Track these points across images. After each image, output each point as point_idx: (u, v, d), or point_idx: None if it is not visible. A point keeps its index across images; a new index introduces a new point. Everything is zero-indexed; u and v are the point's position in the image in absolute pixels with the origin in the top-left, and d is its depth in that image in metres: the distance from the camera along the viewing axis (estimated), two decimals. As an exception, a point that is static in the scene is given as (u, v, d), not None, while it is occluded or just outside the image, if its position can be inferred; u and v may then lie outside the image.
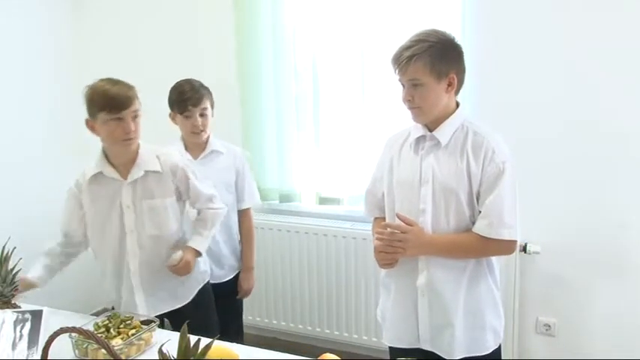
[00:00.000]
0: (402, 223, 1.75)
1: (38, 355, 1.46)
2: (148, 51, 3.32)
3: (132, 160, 1.98)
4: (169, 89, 2.39)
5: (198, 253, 2.07)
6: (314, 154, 3.10)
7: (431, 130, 1.78)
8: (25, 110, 3.25)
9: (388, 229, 1.77)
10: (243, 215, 2.54)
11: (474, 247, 1.74)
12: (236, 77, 3.09)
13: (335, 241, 3.03)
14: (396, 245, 1.75)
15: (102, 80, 1.93)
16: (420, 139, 1.81)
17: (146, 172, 1.98)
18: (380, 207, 1.97)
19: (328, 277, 3.08)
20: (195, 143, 2.40)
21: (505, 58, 2.58)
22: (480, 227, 1.71)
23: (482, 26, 2.59)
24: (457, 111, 1.78)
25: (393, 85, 2.81)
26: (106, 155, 1.99)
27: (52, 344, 1.17)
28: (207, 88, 2.39)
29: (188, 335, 1.20)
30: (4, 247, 1.88)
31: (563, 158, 2.58)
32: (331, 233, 3.04)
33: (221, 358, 1.44)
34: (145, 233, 2.00)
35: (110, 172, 1.98)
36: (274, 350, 1.74)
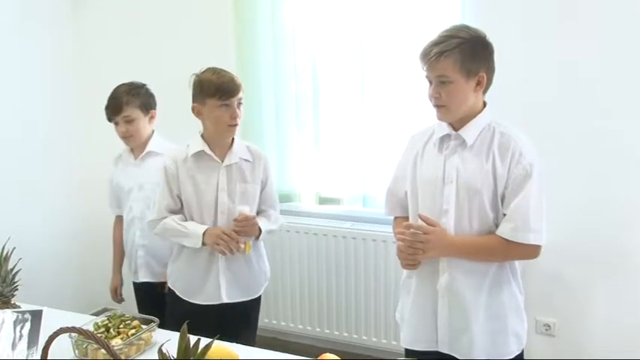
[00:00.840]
0: (424, 224, 1.71)
1: (38, 355, 1.46)
2: (147, 51, 3.32)
3: (228, 146, 2.14)
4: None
5: (260, 232, 2.15)
6: (314, 154, 3.10)
7: (456, 129, 1.74)
8: (25, 110, 3.25)
9: (410, 230, 1.73)
10: None
11: (497, 250, 1.70)
12: (236, 77, 3.09)
13: (335, 241, 3.03)
14: (417, 246, 1.71)
15: (210, 70, 2.09)
16: (444, 138, 1.77)
17: (240, 158, 2.15)
18: (402, 206, 1.92)
19: (328, 277, 3.08)
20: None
21: (504, 58, 2.57)
22: (505, 230, 1.68)
23: (481, 27, 2.59)
24: (484, 111, 1.74)
25: (393, 85, 2.84)
26: (204, 139, 2.13)
27: (52, 344, 1.17)
28: (136, 93, 2.39)
29: (188, 335, 1.20)
30: (3, 247, 1.88)
31: (563, 158, 2.58)
32: (331, 233, 3.04)
33: (221, 358, 1.44)
34: (235, 217, 2.10)
35: (210, 152, 2.12)
36: (274, 350, 1.74)
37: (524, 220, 1.66)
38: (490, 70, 1.71)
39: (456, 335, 1.77)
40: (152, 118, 2.44)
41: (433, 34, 2.81)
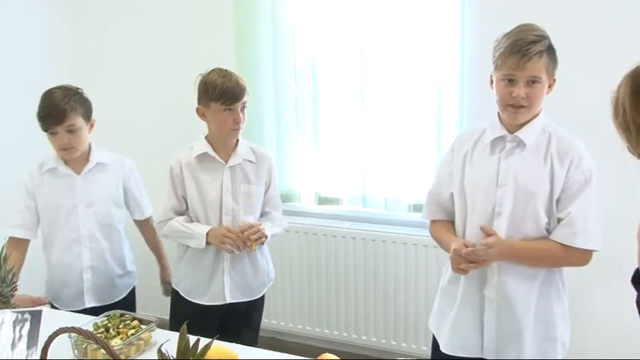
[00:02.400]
0: (487, 240, 1.67)
1: (37, 355, 1.46)
2: (147, 50, 3.31)
3: (232, 147, 2.14)
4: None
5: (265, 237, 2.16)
6: (313, 154, 3.10)
7: (510, 131, 1.72)
8: (24, 111, 3.23)
9: (473, 248, 1.68)
10: (144, 226, 2.42)
11: (553, 255, 1.69)
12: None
13: (334, 241, 3.03)
14: (480, 261, 1.68)
15: (215, 72, 2.06)
16: (497, 140, 1.74)
17: (244, 160, 2.15)
18: (444, 209, 1.89)
19: (327, 277, 3.08)
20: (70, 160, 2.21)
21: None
22: (562, 236, 1.67)
23: (481, 27, 2.58)
24: (541, 114, 1.73)
25: (392, 85, 2.84)
26: (208, 141, 2.13)
27: (52, 344, 1.17)
28: (78, 100, 2.15)
29: (188, 335, 1.20)
30: (3, 247, 1.87)
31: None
32: (330, 233, 3.03)
33: (220, 358, 1.44)
34: (239, 217, 2.13)
35: (214, 154, 2.12)
36: (273, 350, 1.74)
37: (584, 226, 1.65)
38: None
39: (504, 341, 1.73)
40: (92, 126, 2.21)
41: (432, 34, 2.82)
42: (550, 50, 1.65)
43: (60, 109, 2.08)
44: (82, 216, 2.20)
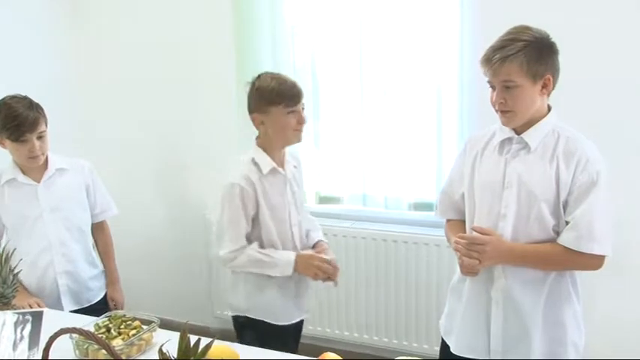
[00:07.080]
0: (479, 235, 1.69)
1: (39, 356, 1.46)
2: (146, 50, 3.30)
3: (283, 155, 2.07)
4: None
5: None
6: (313, 153, 3.10)
7: (518, 133, 1.71)
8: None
9: (463, 241, 1.70)
10: (99, 228, 2.42)
11: (557, 259, 1.67)
12: (235, 76, 3.09)
13: (335, 240, 3.02)
14: (474, 256, 1.68)
15: (267, 76, 1.99)
16: (505, 142, 1.74)
17: (294, 166, 2.12)
18: (456, 209, 1.90)
19: (328, 276, 3.08)
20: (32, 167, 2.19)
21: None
22: (568, 239, 1.64)
23: (480, 27, 2.58)
24: (549, 115, 1.70)
25: (392, 83, 2.84)
26: (265, 151, 2.02)
27: (53, 345, 1.18)
28: (40, 107, 2.15)
29: (188, 335, 1.20)
30: (4, 248, 1.88)
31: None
32: (331, 232, 3.02)
33: (221, 358, 1.44)
34: (303, 227, 2.13)
35: (279, 168, 2.03)
36: (274, 350, 1.74)
37: (589, 229, 1.62)
38: (556, 71, 1.67)
39: (511, 344, 1.72)
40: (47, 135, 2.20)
41: (432, 34, 2.82)
42: (529, 51, 1.60)
43: (32, 117, 2.08)
44: (48, 223, 2.19)
